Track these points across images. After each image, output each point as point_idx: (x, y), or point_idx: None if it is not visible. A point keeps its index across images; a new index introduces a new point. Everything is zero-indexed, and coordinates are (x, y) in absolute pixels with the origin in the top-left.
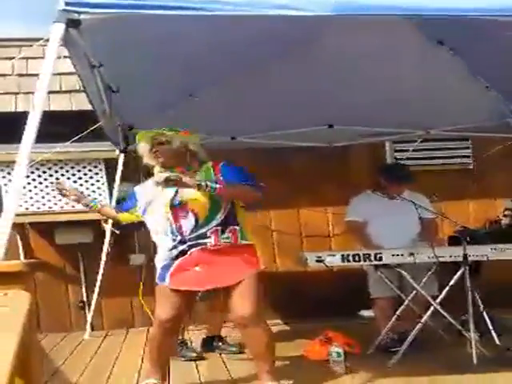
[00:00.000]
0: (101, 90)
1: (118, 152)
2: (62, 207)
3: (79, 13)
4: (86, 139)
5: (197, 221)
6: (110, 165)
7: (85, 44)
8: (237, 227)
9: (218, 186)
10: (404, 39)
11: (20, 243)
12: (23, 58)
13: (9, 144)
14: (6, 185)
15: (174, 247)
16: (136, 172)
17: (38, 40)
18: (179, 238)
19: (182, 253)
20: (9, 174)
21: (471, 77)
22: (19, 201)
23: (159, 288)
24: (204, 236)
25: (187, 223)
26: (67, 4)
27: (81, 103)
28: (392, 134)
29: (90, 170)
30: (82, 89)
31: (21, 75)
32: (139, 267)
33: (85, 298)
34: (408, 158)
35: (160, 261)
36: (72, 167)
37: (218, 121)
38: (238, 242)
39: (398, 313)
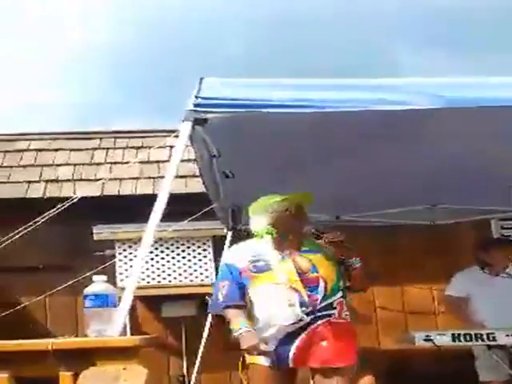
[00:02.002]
0: (216, 176)
1: (226, 230)
2: (169, 281)
3: (206, 113)
4: (196, 218)
5: (326, 289)
6: (217, 242)
7: (207, 137)
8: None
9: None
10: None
11: (128, 316)
12: (146, 147)
13: (127, 223)
14: (121, 260)
15: (300, 320)
16: None
17: (157, 132)
18: (310, 309)
19: (305, 326)
20: (124, 250)
21: None
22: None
23: (273, 373)
24: (330, 307)
25: (318, 292)
26: (196, 105)
27: (191, 187)
28: (498, 212)
29: (198, 247)
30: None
31: (142, 162)
32: None
33: (185, 372)
34: None
35: (271, 339)
36: (182, 244)
37: (324, 201)
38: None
39: None
